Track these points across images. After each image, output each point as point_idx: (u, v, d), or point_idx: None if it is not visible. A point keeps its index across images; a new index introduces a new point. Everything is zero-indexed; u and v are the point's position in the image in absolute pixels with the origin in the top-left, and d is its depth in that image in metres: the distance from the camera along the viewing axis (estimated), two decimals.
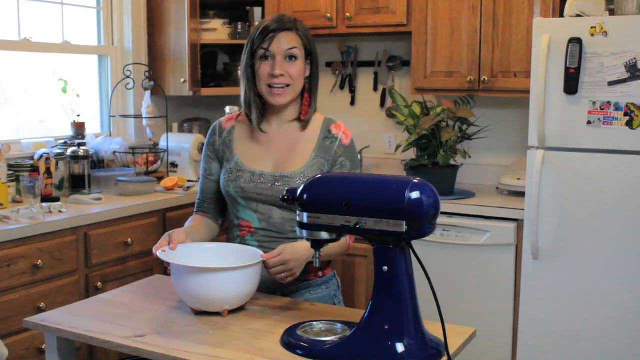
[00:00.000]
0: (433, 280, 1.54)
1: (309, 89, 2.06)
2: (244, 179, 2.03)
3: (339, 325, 1.68)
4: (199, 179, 2.22)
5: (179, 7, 3.84)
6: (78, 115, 3.60)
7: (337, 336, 1.62)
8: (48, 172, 3.14)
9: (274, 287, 2.01)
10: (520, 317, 3.03)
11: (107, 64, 3.89)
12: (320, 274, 2.07)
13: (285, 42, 1.99)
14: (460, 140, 3.45)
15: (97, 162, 3.58)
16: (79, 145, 3.37)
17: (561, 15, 3.02)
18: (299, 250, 1.86)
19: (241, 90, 2.07)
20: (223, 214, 2.17)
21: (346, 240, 2.02)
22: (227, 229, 2.15)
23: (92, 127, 3.80)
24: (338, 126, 2.09)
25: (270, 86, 1.99)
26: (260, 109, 2.06)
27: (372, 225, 1.52)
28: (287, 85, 1.99)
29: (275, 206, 2.01)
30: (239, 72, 2.07)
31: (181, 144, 3.81)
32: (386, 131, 4.02)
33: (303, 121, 2.06)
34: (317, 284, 2.06)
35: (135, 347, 1.61)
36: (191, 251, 1.87)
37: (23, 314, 2.39)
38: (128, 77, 3.70)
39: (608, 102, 2.78)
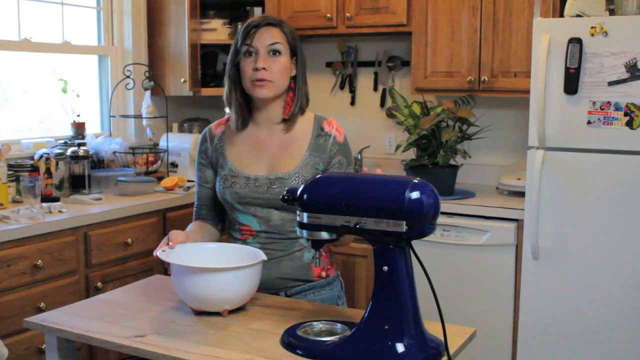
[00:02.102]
0: (433, 280, 1.54)
1: (294, 88, 2.05)
2: (239, 185, 2.01)
3: (339, 325, 1.68)
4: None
5: (179, 7, 3.84)
6: (78, 115, 3.60)
7: (337, 336, 1.62)
8: (48, 172, 3.14)
9: (276, 287, 2.01)
10: (520, 317, 3.03)
11: (107, 64, 3.89)
12: (323, 274, 2.06)
13: (268, 37, 1.98)
14: (460, 140, 3.45)
15: (97, 162, 3.58)
16: (79, 145, 3.37)
17: (561, 15, 3.02)
18: None
19: (224, 89, 2.06)
20: (222, 219, 2.16)
21: None
22: (228, 232, 2.14)
23: (92, 127, 3.80)
24: (330, 123, 2.07)
25: (253, 81, 1.97)
26: (242, 109, 2.05)
27: (372, 225, 1.52)
28: (269, 81, 1.97)
29: (273, 208, 2.00)
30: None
31: (181, 144, 3.80)
32: (386, 131, 4.02)
33: (288, 121, 2.04)
34: (321, 285, 2.05)
35: (135, 347, 1.61)
36: (191, 251, 1.87)
37: (23, 314, 2.38)
38: (128, 77, 3.70)
39: (608, 102, 2.78)
